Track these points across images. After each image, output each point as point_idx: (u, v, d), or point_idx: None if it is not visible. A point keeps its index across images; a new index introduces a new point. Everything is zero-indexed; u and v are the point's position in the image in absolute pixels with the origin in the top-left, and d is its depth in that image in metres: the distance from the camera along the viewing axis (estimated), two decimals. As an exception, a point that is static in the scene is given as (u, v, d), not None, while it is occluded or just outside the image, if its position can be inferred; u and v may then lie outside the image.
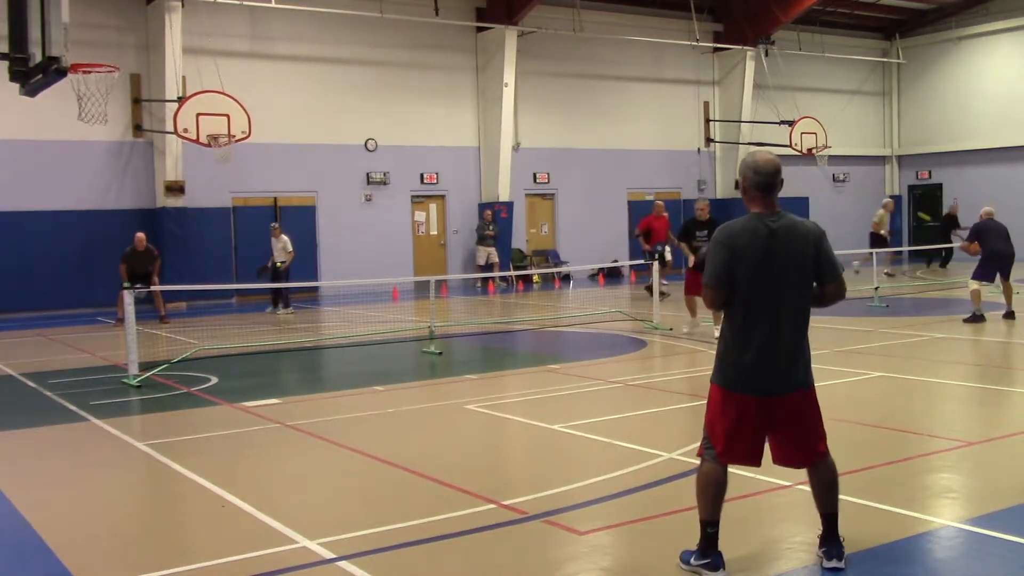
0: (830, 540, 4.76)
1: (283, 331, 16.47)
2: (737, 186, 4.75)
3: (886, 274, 23.33)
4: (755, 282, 4.55)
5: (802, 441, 4.71)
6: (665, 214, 18.53)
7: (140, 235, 17.99)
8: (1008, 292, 14.67)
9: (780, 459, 4.81)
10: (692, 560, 4.71)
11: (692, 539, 5.11)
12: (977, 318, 14.21)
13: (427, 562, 5.02)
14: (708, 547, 4.67)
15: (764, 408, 4.62)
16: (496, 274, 23.76)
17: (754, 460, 4.72)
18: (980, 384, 9.69)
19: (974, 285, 14.51)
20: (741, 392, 4.60)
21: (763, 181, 4.63)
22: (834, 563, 4.70)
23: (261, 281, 19.65)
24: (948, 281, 22.30)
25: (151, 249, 17.97)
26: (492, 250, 24.66)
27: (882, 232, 23.80)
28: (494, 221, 24.81)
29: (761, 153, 4.74)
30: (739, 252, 4.55)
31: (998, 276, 14.70)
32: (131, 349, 10.99)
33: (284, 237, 19.82)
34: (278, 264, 19.61)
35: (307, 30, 22.97)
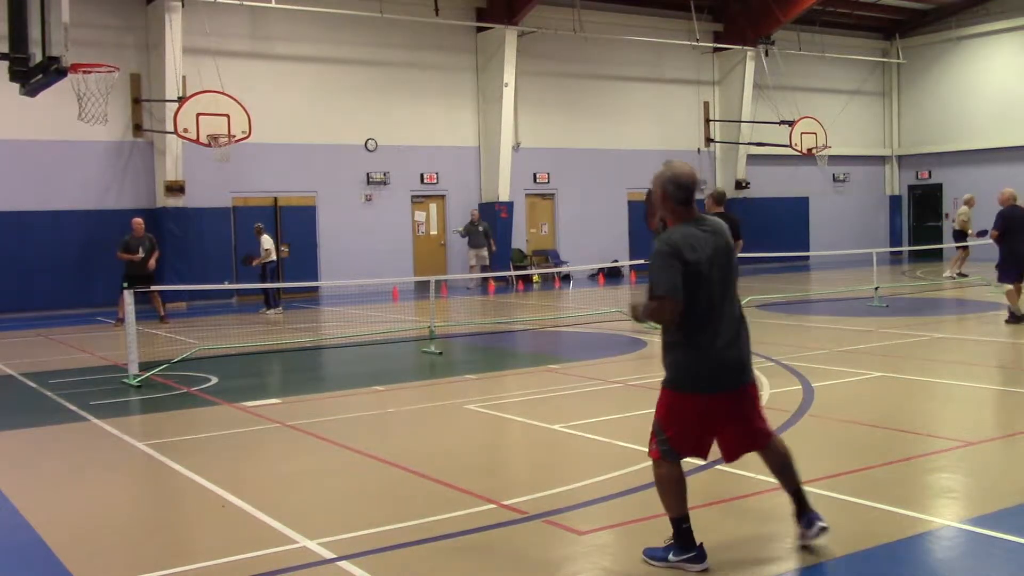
0: (806, 510, 4.93)
1: (283, 331, 16.47)
2: (665, 194, 4.77)
3: (958, 274, 22.03)
4: (705, 285, 4.65)
5: (757, 427, 4.92)
6: None
7: (138, 220, 17.98)
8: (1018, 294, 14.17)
9: (738, 451, 4.95)
10: (671, 556, 4.77)
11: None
12: (1017, 319, 13.68)
13: (427, 562, 5.02)
14: (688, 541, 4.74)
15: (726, 403, 4.78)
16: (485, 274, 23.49)
17: (706, 454, 4.93)
18: (980, 384, 9.69)
19: (1007, 287, 13.99)
20: (708, 392, 4.71)
21: (684, 195, 4.72)
22: (820, 523, 4.88)
23: (250, 271, 19.63)
24: (948, 281, 22.28)
25: (150, 237, 17.93)
26: (481, 251, 24.15)
27: (969, 231, 22.39)
28: (481, 220, 24.39)
29: (677, 163, 4.80)
30: (690, 260, 4.62)
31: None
32: (131, 349, 10.99)
33: (265, 237, 19.77)
34: (253, 262, 19.57)
35: (307, 30, 22.98)
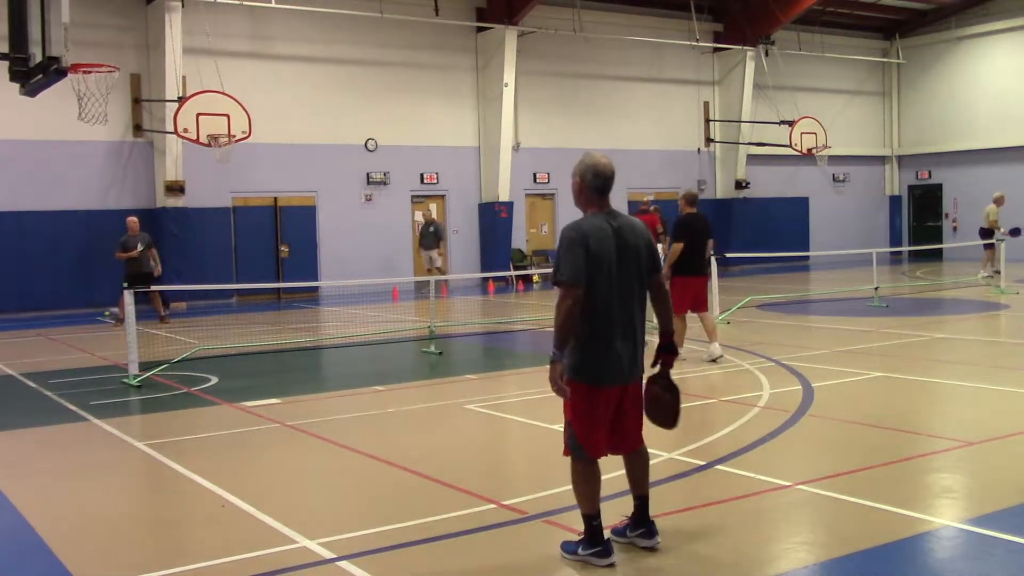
0: (647, 521, 4.95)
1: (283, 331, 16.47)
2: (583, 182, 4.82)
3: (987, 276, 21.23)
4: (609, 279, 4.73)
5: (637, 425, 4.97)
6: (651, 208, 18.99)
7: (132, 219, 17.90)
8: None
9: (615, 447, 4.95)
10: (580, 550, 4.84)
11: (690, 538, 5.11)
12: None
13: (427, 562, 5.02)
14: (596, 537, 4.81)
15: (619, 397, 4.85)
16: (436, 277, 22.78)
17: (604, 451, 4.91)
18: (980, 384, 9.69)
19: None
20: (607, 385, 4.77)
21: (602, 183, 4.83)
22: (656, 540, 4.91)
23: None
24: (948, 281, 22.27)
25: (146, 235, 17.87)
26: (433, 253, 22.90)
27: (999, 229, 21.58)
28: (433, 221, 23.34)
29: (598, 154, 4.92)
30: (593, 250, 4.68)
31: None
32: (131, 349, 10.98)
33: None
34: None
35: (307, 30, 22.98)
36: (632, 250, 4.81)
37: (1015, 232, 21.30)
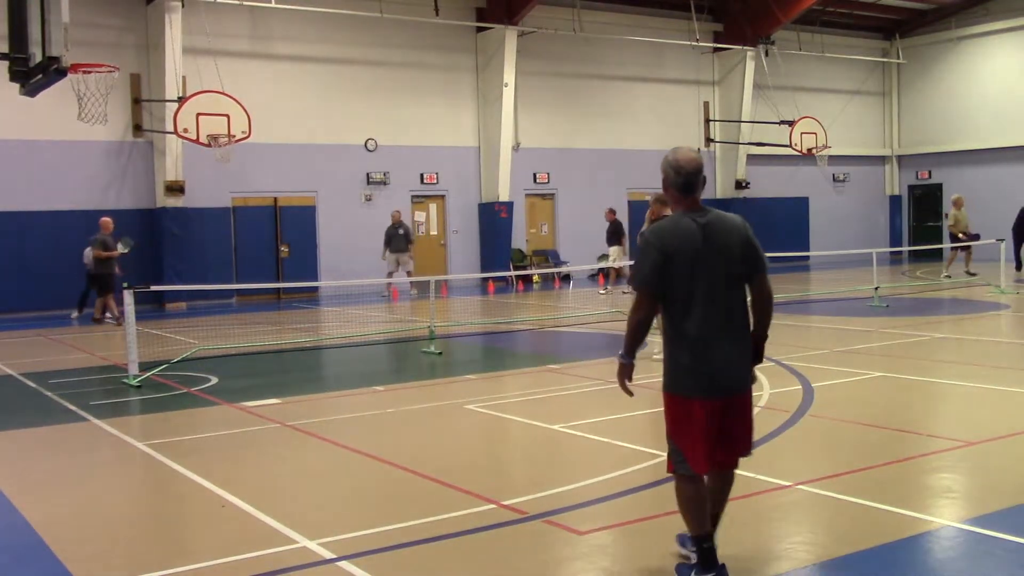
0: (714, 562, 4.52)
1: (283, 331, 16.48)
2: (666, 179, 4.52)
3: (968, 273, 21.94)
4: (694, 280, 4.37)
5: (744, 440, 4.58)
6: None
7: (107, 219, 17.97)
8: None
9: (720, 462, 4.57)
10: None
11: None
12: None
13: (427, 562, 5.02)
14: (710, 562, 4.46)
15: (723, 409, 4.45)
16: (404, 279, 22.25)
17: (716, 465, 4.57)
18: (980, 384, 9.69)
19: None
20: (704, 397, 4.40)
21: (683, 181, 4.47)
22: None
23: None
24: (948, 281, 22.27)
25: (128, 237, 17.90)
26: (402, 255, 22.26)
27: (960, 234, 22.35)
28: (402, 222, 22.73)
29: (683, 151, 4.57)
30: (671, 252, 4.36)
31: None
32: (131, 349, 10.99)
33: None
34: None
35: (307, 30, 22.98)
36: (722, 249, 4.41)
37: (974, 237, 21.85)
